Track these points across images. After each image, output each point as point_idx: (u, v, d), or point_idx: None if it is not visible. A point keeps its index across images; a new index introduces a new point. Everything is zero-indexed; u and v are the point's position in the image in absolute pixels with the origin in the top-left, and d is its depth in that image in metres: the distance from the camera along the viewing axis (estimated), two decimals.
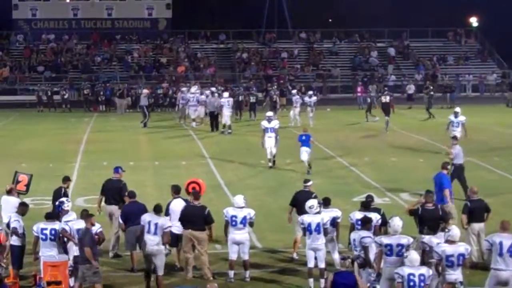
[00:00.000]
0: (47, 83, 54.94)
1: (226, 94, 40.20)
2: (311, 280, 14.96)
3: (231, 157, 30.08)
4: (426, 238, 13.99)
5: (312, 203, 15.25)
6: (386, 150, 32.05)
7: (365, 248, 13.87)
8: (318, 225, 14.95)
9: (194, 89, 42.26)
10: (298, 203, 16.41)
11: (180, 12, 67.05)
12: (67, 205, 15.54)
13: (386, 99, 38.61)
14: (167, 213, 16.03)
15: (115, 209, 17.41)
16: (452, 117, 29.04)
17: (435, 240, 13.63)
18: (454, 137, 24.80)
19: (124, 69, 61.39)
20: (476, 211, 16.09)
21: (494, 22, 63.04)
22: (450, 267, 13.05)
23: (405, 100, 53.32)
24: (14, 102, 54.20)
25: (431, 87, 47.51)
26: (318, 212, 15.18)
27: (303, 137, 26.98)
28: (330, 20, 74.71)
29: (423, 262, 13.07)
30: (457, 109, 29.67)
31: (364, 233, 14.11)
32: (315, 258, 15.02)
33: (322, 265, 15.00)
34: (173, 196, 16.45)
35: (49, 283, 14.05)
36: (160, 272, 14.92)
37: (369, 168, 27.40)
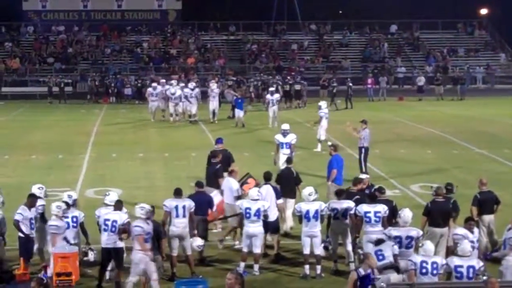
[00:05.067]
0: (57, 75, 55.09)
1: (190, 85, 39.97)
2: (306, 267, 15.01)
3: (241, 149, 29.95)
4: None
5: (310, 190, 15.33)
6: (395, 142, 32.01)
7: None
8: (316, 211, 15.08)
9: (175, 84, 41.38)
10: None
11: (190, 4, 67.06)
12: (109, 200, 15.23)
13: (298, 87, 46.13)
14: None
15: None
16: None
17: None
18: (362, 121, 24.93)
19: (134, 60, 61.42)
20: (486, 203, 16.04)
21: (505, 13, 62.80)
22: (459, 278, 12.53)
23: (415, 92, 53.28)
24: (25, 93, 54.28)
25: (334, 79, 49.19)
26: (315, 200, 15.32)
27: (239, 100, 37.18)
28: (340, 12, 74.60)
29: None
30: (321, 103, 30.92)
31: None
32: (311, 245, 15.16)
33: (317, 251, 15.08)
34: (264, 183, 16.92)
35: (59, 274, 14.05)
36: (189, 251, 15.21)
37: (379, 160, 27.32)
